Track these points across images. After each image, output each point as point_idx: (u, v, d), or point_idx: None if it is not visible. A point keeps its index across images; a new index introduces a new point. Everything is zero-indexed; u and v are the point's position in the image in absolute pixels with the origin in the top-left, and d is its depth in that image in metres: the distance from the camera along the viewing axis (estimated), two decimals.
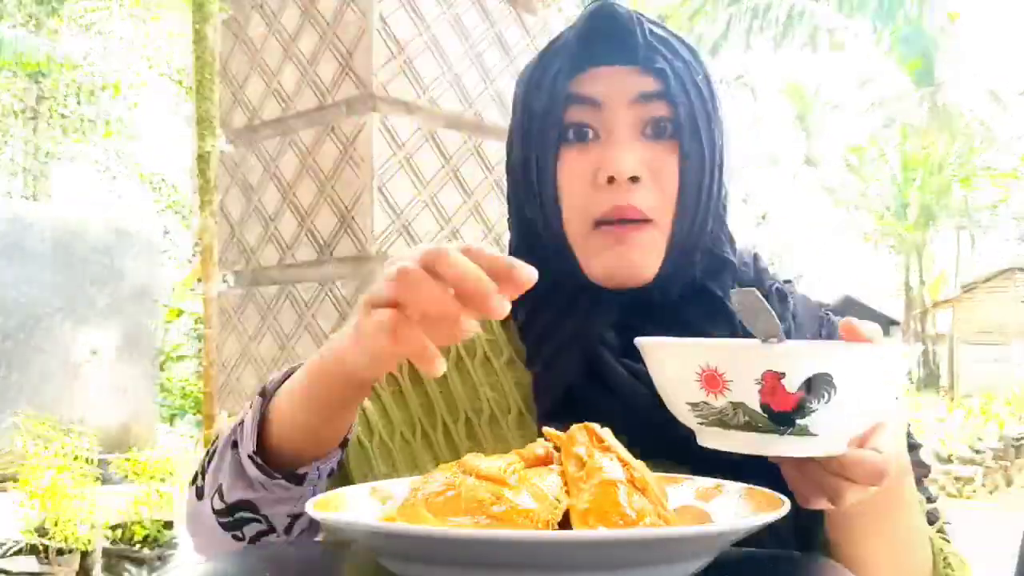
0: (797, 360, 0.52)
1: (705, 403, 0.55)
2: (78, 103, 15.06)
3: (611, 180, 0.75)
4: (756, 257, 0.87)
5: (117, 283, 7.15)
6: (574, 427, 0.55)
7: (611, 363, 0.75)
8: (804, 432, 0.54)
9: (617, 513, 0.47)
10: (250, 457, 0.69)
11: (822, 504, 0.58)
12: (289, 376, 0.72)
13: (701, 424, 0.58)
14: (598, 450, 0.52)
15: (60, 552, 3.77)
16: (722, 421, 0.56)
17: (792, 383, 0.52)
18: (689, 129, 0.77)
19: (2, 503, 4.22)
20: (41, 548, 3.75)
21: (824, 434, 0.54)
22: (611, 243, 0.76)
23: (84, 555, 3.87)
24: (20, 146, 15.11)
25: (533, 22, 2.07)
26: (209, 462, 0.76)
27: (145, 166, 16.09)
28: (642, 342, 0.60)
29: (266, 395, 0.73)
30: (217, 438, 0.77)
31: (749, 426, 0.55)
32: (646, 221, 0.76)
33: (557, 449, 0.55)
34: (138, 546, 3.97)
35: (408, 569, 0.47)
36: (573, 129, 0.78)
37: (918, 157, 17.76)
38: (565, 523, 0.49)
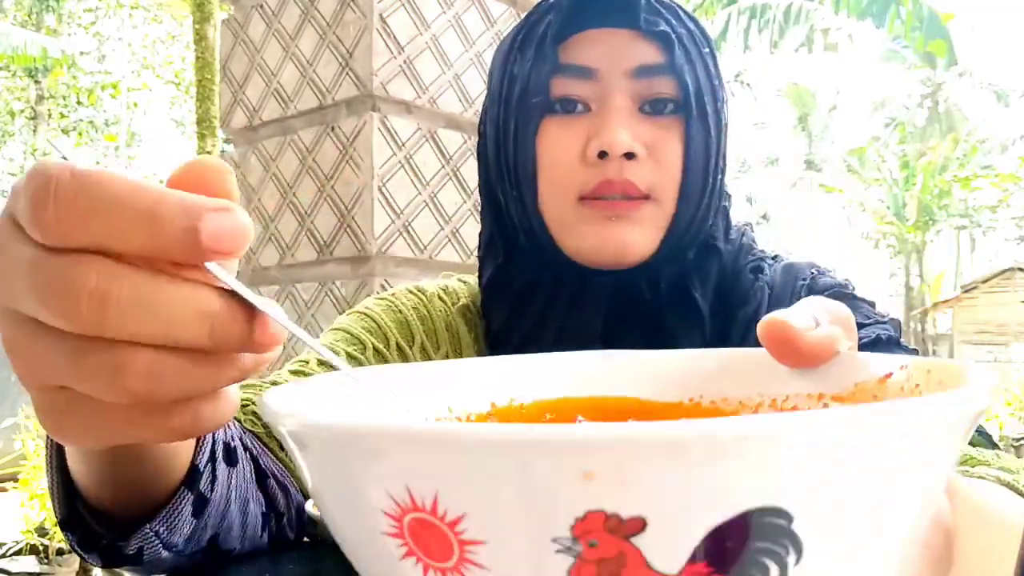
0: None
1: None
2: (78, 103, 15.08)
3: (603, 155, 0.66)
4: (743, 233, 0.78)
5: None
6: None
7: None
8: None
9: None
10: (62, 526, 0.47)
11: None
12: None
13: None
14: None
15: (60, 552, 3.76)
16: None
17: None
18: (694, 105, 0.68)
19: (2, 503, 4.22)
20: (41, 548, 3.75)
21: None
22: (598, 217, 0.67)
23: None
24: (20, 146, 15.11)
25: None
26: None
27: (145, 166, 16.11)
28: None
29: None
30: None
31: None
32: (645, 198, 0.68)
33: None
34: None
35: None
36: (560, 101, 0.68)
37: (918, 158, 17.77)
38: None
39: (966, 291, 17.21)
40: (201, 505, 0.49)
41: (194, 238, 0.25)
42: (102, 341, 0.26)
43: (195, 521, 0.49)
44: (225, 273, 0.28)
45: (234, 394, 0.31)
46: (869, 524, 0.20)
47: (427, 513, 0.20)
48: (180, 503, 0.47)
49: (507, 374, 0.38)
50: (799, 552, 0.20)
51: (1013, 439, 8.59)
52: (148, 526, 0.46)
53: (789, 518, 0.19)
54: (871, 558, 0.21)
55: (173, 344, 0.27)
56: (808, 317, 0.32)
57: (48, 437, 0.45)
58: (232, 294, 0.28)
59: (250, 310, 0.28)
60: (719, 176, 0.72)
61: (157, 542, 0.47)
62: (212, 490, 0.50)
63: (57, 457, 0.45)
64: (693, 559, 0.19)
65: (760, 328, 0.32)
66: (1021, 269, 16.16)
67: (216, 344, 0.27)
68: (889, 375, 0.30)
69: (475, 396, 0.36)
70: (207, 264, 0.27)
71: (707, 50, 0.71)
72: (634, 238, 0.67)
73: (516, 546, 0.20)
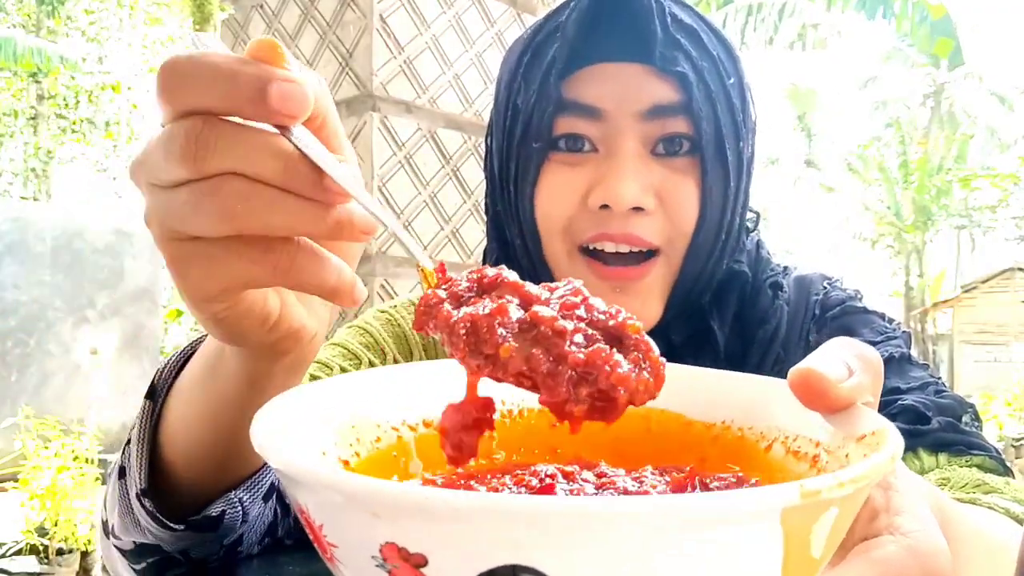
0: None
1: None
2: (78, 103, 15.08)
3: (605, 207, 0.61)
4: (758, 244, 0.74)
5: (118, 283, 7.16)
6: None
7: None
8: None
9: None
10: (139, 498, 0.49)
11: None
12: (191, 358, 0.51)
13: None
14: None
15: (60, 552, 3.76)
16: None
17: None
18: (713, 149, 0.62)
19: (2, 503, 4.21)
20: (41, 548, 3.74)
21: None
22: (602, 288, 0.62)
23: (84, 555, 3.87)
24: (21, 146, 15.12)
25: (536, 21, 2.07)
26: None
27: None
28: None
29: (156, 394, 0.52)
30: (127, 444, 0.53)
31: None
32: (651, 254, 0.62)
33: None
34: None
35: None
36: (565, 138, 0.64)
37: (918, 158, 17.77)
38: None
39: (966, 291, 17.19)
40: (271, 492, 0.54)
41: (264, 97, 0.33)
42: (208, 179, 0.34)
43: (264, 505, 0.54)
44: (304, 132, 0.35)
45: (338, 268, 0.37)
46: None
47: (305, 516, 0.27)
48: (262, 476, 0.53)
49: None
50: None
51: (1013, 439, 8.58)
52: (234, 492, 0.51)
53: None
54: None
55: (255, 175, 0.34)
56: (841, 365, 0.33)
57: (140, 416, 0.51)
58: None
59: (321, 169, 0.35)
60: (736, 218, 0.67)
61: (239, 507, 0.52)
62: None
63: (151, 431, 0.50)
64: None
65: (792, 377, 0.32)
66: (1021, 269, 16.14)
67: (289, 179, 0.34)
68: (863, 436, 0.31)
69: (531, 393, 0.40)
70: (293, 130, 0.34)
71: (732, 80, 0.64)
72: (640, 312, 0.63)
73: (355, 554, 0.26)
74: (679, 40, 0.62)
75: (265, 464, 0.51)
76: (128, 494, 0.51)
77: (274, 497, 0.57)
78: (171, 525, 0.49)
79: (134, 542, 0.53)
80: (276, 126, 0.35)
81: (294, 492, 0.28)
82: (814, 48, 10.47)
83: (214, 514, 0.51)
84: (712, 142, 0.62)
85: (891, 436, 0.29)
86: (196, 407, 0.48)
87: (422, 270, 0.37)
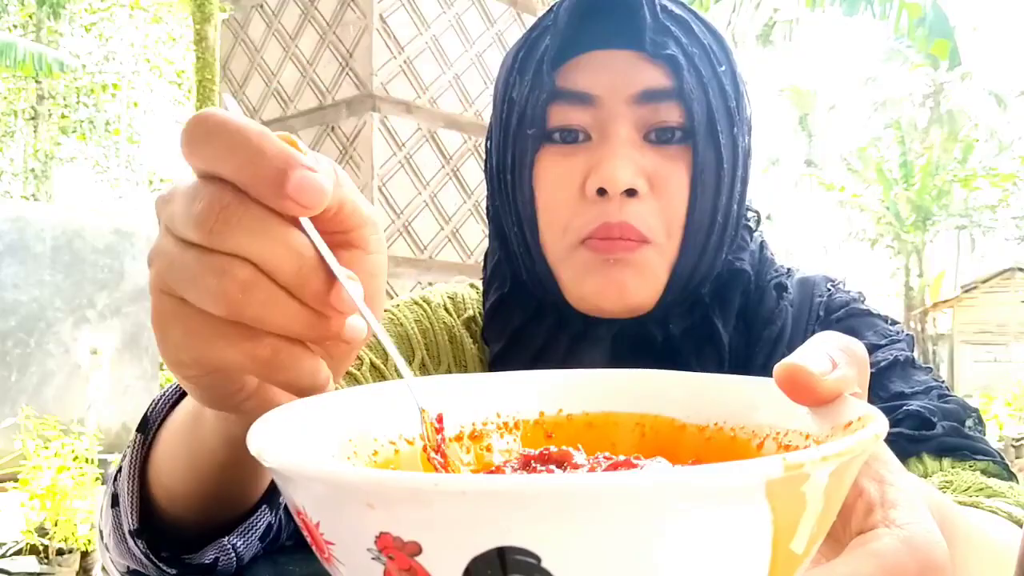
0: None
1: None
2: (78, 103, 15.09)
3: (602, 192, 0.62)
4: (762, 245, 0.75)
5: (118, 283, 7.15)
6: None
7: None
8: None
9: None
10: (131, 535, 0.49)
11: None
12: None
13: None
14: None
15: (60, 552, 3.76)
16: None
17: None
18: (705, 134, 0.63)
19: (2, 503, 4.21)
20: (41, 548, 3.74)
21: None
22: (598, 264, 0.63)
23: (84, 555, 3.87)
24: (21, 146, 15.12)
25: (533, 22, 2.07)
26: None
27: (145, 166, 16.12)
28: None
29: (148, 428, 0.51)
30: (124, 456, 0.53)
31: None
32: (643, 242, 0.63)
33: None
34: None
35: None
36: (560, 131, 0.65)
37: (918, 158, 17.78)
38: None
39: (966, 291, 17.19)
40: (267, 532, 0.53)
41: (283, 180, 0.31)
42: (219, 254, 0.32)
43: (259, 544, 0.53)
44: (317, 236, 0.34)
45: (314, 370, 0.36)
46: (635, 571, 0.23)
47: (302, 517, 0.27)
48: (256, 520, 0.51)
49: (556, 386, 0.43)
50: None
51: (1013, 439, 8.59)
52: (227, 539, 0.50)
53: (536, 557, 0.23)
54: None
55: (266, 267, 0.32)
56: (825, 359, 0.33)
57: (130, 448, 0.50)
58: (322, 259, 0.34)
59: (332, 277, 0.33)
60: (734, 207, 0.67)
61: (233, 554, 0.50)
62: (276, 517, 0.54)
63: (141, 464, 0.50)
64: None
65: (777, 372, 0.33)
66: (1021, 269, 16.14)
67: (299, 282, 0.33)
68: (849, 423, 0.32)
69: (526, 404, 0.41)
70: (304, 223, 0.33)
71: (723, 68, 0.65)
72: (635, 285, 0.64)
73: (351, 549, 0.25)
74: (669, 27, 0.64)
75: (257, 507, 0.51)
76: (121, 526, 0.50)
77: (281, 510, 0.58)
78: (164, 569, 0.49)
79: (128, 568, 0.52)
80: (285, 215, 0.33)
81: (291, 493, 0.27)
82: (777, 41, 10.51)
83: (207, 561, 0.49)
84: (704, 125, 0.63)
85: (876, 418, 0.30)
86: (179, 456, 0.48)
87: (422, 412, 0.38)
